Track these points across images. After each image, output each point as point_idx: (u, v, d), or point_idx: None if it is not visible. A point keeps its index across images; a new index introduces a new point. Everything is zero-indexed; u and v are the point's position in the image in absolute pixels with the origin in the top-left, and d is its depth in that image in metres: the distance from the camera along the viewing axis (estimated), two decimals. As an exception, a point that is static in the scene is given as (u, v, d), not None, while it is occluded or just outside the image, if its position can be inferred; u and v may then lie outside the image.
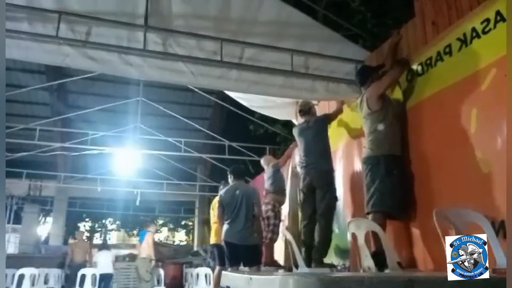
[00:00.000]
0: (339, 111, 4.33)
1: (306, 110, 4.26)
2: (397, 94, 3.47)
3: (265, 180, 5.29)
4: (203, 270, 8.67)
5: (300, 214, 4.15)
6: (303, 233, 3.93)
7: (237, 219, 4.57)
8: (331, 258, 4.08)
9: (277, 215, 5.00)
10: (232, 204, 4.64)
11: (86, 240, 9.97)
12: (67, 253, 8.80)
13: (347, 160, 4.25)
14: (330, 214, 3.78)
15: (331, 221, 3.79)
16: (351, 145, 4.22)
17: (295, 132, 4.37)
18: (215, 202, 5.83)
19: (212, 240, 5.88)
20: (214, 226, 5.89)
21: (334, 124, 4.39)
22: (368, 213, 3.12)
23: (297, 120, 5.28)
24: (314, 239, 3.80)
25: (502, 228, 2.27)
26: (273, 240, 5.00)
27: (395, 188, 3.06)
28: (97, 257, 8.68)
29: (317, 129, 4.06)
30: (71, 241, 10.63)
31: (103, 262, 8.40)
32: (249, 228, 4.59)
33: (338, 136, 4.39)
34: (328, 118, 4.24)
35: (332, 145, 4.14)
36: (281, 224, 5.15)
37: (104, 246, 9.31)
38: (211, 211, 6.03)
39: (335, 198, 3.89)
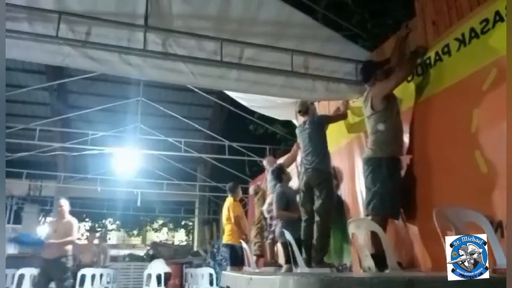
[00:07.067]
0: (343, 116, 4.26)
1: (304, 110, 4.27)
2: (399, 93, 3.46)
3: (268, 181, 5.29)
4: (206, 270, 8.66)
5: (301, 212, 4.16)
6: (303, 228, 3.94)
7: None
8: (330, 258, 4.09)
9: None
10: None
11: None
12: (76, 254, 8.84)
13: (349, 159, 4.25)
14: (326, 212, 3.79)
15: (328, 220, 3.79)
16: (352, 144, 4.22)
17: (296, 132, 4.40)
18: (231, 202, 5.87)
19: (228, 239, 5.85)
20: (228, 226, 5.86)
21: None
22: (367, 215, 3.11)
23: (297, 120, 5.29)
24: (313, 236, 3.81)
25: (500, 228, 2.27)
26: (275, 240, 5.01)
27: (396, 191, 3.04)
28: None
29: (313, 130, 4.06)
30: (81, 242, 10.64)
31: None
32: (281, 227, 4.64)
33: (340, 134, 4.39)
34: (326, 120, 4.22)
35: (335, 143, 4.13)
36: None
37: None
38: (225, 211, 6.00)
39: (331, 198, 3.89)
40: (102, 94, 10.63)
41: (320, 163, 3.92)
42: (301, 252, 3.70)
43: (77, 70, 6.71)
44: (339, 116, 4.29)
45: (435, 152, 2.96)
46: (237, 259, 5.60)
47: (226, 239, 5.90)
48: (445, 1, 3.09)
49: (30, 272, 7.07)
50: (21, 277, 7.14)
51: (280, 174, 4.70)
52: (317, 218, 3.79)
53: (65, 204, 5.81)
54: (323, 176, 3.90)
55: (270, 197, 5.12)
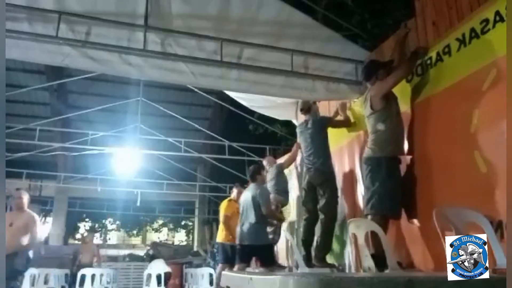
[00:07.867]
0: (345, 123, 4.24)
1: (306, 109, 4.27)
2: (400, 93, 3.46)
3: (268, 181, 5.30)
4: (206, 270, 8.66)
5: (302, 211, 4.18)
6: (303, 226, 3.96)
7: (245, 220, 4.64)
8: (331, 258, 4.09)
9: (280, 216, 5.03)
10: (242, 206, 4.75)
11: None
12: (75, 254, 8.86)
13: (349, 158, 4.25)
14: (330, 211, 3.81)
15: (332, 218, 3.81)
16: (353, 143, 4.22)
17: (297, 131, 4.41)
18: (225, 202, 5.99)
19: (219, 238, 5.93)
20: (220, 225, 5.99)
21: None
22: (366, 215, 3.11)
23: (298, 120, 5.29)
24: (313, 235, 3.83)
25: (500, 228, 2.27)
26: (274, 240, 5.01)
27: (395, 191, 3.04)
28: None
29: (315, 129, 4.07)
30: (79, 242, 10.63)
31: None
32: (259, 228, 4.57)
33: (341, 133, 4.39)
34: (328, 123, 4.21)
35: (336, 143, 4.14)
36: (284, 224, 5.18)
37: None
38: (221, 211, 6.09)
39: (335, 196, 3.90)
40: (102, 94, 10.63)
41: (322, 164, 3.94)
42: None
43: (77, 70, 6.70)
44: (342, 122, 4.26)
45: (435, 152, 2.96)
46: (226, 258, 5.60)
47: (217, 238, 6.02)
48: (445, 1, 3.08)
49: (30, 272, 7.07)
50: (21, 277, 7.13)
51: (255, 175, 4.72)
52: (321, 216, 3.80)
53: (25, 196, 5.19)
54: (325, 176, 3.92)
55: (270, 198, 5.11)
